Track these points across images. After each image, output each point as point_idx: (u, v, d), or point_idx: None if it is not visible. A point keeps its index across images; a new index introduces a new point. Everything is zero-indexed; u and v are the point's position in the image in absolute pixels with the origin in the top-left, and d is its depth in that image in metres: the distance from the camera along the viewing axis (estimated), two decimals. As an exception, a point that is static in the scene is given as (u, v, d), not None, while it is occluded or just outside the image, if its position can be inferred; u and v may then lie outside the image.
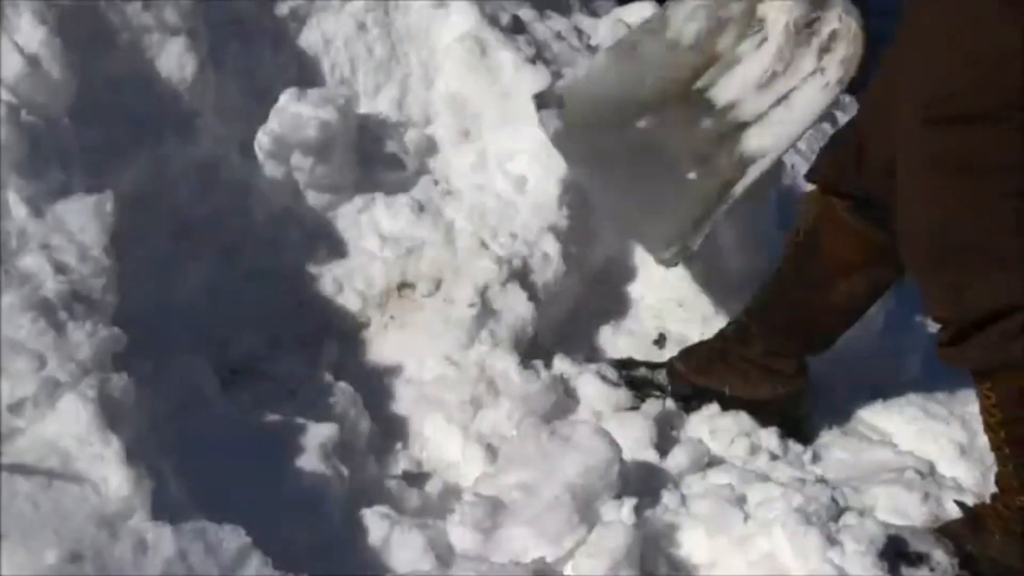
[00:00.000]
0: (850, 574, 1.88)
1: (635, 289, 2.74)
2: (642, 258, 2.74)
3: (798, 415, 2.45)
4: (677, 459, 2.20)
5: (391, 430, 2.18)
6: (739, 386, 2.40)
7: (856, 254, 2.24)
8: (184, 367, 1.96)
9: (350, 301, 2.39)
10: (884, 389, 2.56)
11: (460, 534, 1.82)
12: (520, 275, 2.45)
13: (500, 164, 2.60)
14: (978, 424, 2.10)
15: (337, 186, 2.47)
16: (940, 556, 2.00)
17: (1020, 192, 1.87)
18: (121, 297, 1.66)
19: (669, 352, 2.56)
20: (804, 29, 2.24)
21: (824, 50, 2.23)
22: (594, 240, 2.67)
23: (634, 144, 2.35)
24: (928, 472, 2.32)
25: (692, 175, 2.31)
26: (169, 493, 1.45)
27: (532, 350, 2.41)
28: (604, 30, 2.98)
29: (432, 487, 2.04)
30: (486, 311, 2.37)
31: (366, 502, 1.83)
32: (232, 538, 1.35)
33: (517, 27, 2.80)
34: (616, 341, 2.64)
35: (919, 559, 1.99)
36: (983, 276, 1.92)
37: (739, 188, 2.28)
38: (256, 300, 2.33)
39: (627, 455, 2.00)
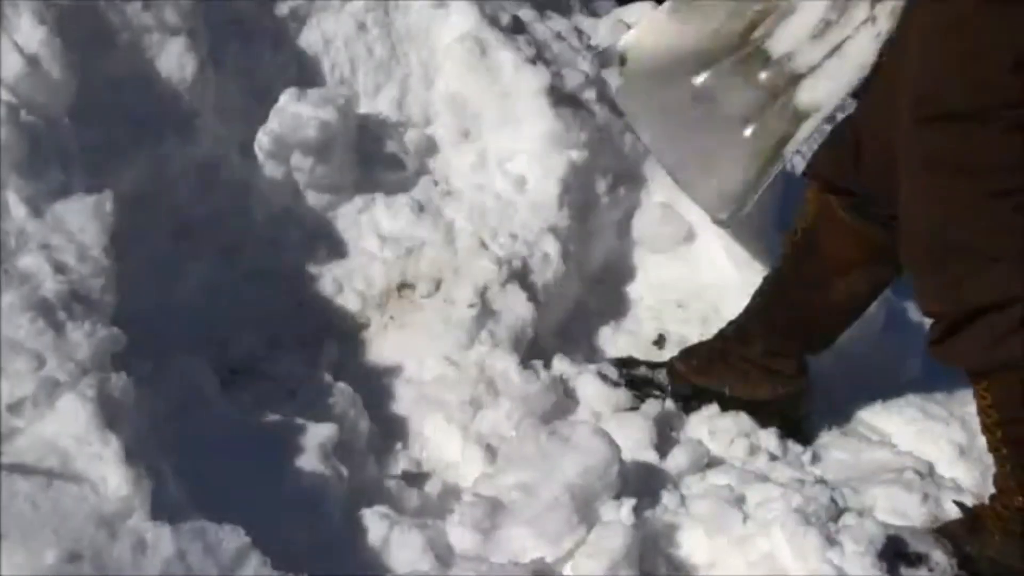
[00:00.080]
0: (849, 574, 1.88)
1: (635, 289, 2.74)
2: (642, 258, 2.74)
3: (798, 415, 2.45)
4: (676, 459, 2.20)
5: (391, 430, 2.18)
6: (739, 386, 2.40)
7: (855, 252, 2.23)
8: (184, 367, 1.96)
9: (350, 301, 2.39)
10: (884, 389, 2.56)
11: (459, 534, 1.82)
12: (520, 275, 2.46)
13: (500, 164, 2.60)
14: (977, 425, 2.10)
15: (337, 186, 2.47)
16: (939, 556, 2.00)
17: (1015, 191, 1.87)
18: (121, 297, 1.66)
19: (669, 352, 2.56)
20: None
21: None
22: (594, 240, 2.68)
23: (692, 99, 2.36)
24: (927, 473, 2.32)
25: (747, 132, 2.32)
26: (168, 493, 1.44)
27: (532, 350, 2.41)
28: (604, 30, 2.99)
29: (432, 487, 2.04)
30: (486, 311, 2.37)
31: (366, 502, 1.83)
32: (231, 538, 1.35)
33: (517, 27, 2.80)
34: (616, 341, 2.64)
35: (918, 559, 1.99)
36: (981, 273, 1.92)
37: (791, 147, 2.29)
38: (256, 300, 2.33)
39: (627, 455, 2.00)
